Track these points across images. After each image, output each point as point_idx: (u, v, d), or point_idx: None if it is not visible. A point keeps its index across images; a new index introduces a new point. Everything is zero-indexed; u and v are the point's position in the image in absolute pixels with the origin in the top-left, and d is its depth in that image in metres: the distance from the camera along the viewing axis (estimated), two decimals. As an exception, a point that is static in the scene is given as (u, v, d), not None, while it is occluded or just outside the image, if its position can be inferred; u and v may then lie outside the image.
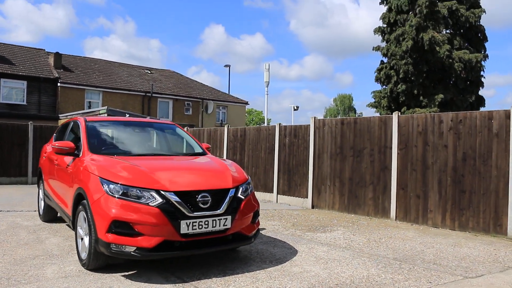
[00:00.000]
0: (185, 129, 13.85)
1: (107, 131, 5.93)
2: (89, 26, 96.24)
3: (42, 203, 7.09)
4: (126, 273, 4.40)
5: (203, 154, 5.84)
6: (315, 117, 9.49)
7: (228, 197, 4.53)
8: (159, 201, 4.17)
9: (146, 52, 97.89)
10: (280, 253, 5.35)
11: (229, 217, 4.46)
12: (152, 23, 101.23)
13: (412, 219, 7.41)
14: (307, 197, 9.53)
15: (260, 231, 6.67)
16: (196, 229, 4.25)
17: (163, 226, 4.11)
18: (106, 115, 18.79)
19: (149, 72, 31.22)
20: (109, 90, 25.98)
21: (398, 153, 7.66)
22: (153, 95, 27.47)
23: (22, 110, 23.13)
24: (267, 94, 21.25)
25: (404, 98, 22.99)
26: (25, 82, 23.55)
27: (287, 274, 4.47)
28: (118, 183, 4.26)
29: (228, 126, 12.00)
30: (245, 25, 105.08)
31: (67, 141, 5.65)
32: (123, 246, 4.09)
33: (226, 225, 4.44)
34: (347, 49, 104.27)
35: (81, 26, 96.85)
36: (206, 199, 4.37)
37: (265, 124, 20.74)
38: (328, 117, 27.53)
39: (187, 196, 4.29)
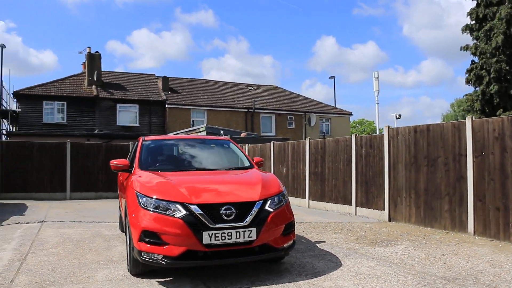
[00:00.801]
0: (273, 143, 14.20)
1: (162, 149, 6.41)
2: (205, 48, 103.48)
3: (118, 215, 7.90)
4: (162, 280, 4.74)
5: (249, 168, 5.97)
6: (389, 126, 9.03)
7: (253, 210, 4.59)
8: (183, 213, 4.43)
9: (260, 69, 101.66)
10: (322, 266, 5.23)
11: (254, 229, 4.53)
12: (264, 40, 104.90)
13: (492, 235, 6.59)
14: (383, 210, 9.06)
15: (317, 244, 6.59)
16: (219, 240, 4.40)
17: (186, 236, 4.35)
18: (205, 132, 20.07)
19: (252, 88, 32.49)
20: (213, 109, 27.64)
21: (473, 161, 6.91)
22: (256, 110, 28.50)
23: (135, 131, 25.78)
24: (378, 103, 20.75)
25: (498, 99, 20.46)
26: (137, 106, 26.29)
27: None
28: (151, 197, 4.61)
29: (309, 139, 11.97)
30: (356, 34, 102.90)
31: (123, 159, 6.25)
32: (152, 254, 4.41)
33: (251, 237, 4.52)
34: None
35: (198, 49, 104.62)
36: (229, 211, 4.50)
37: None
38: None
39: (210, 209, 4.48)
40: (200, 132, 21.24)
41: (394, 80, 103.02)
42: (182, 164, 6.04)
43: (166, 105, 26.53)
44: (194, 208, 4.46)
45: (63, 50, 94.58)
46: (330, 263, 5.42)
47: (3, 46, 28.41)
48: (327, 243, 6.70)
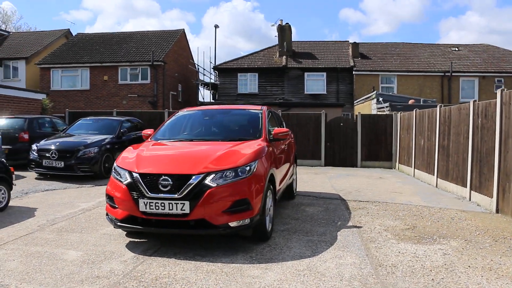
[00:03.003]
0: (415, 111, 12.77)
1: (185, 120, 6.74)
2: (443, 6, 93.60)
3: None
4: (137, 240, 5.28)
5: (253, 139, 5.74)
6: (502, 89, 6.86)
7: (189, 183, 4.58)
8: (128, 180, 4.81)
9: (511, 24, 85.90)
10: (292, 254, 4.75)
11: (187, 203, 4.54)
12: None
13: None
14: (492, 197, 7.07)
15: (345, 229, 5.87)
16: (153, 209, 4.62)
17: (128, 202, 4.74)
18: (375, 100, 19.02)
19: (455, 49, 28.29)
20: (404, 73, 25.49)
21: None
22: (454, 74, 24.90)
23: (322, 99, 26.23)
24: None
25: None
26: (324, 74, 26.55)
27: (245, 276, 4.17)
28: (116, 165, 5.15)
29: (440, 106, 10.06)
30: None
31: (153, 129, 6.88)
32: (110, 215, 5.00)
33: (184, 210, 4.55)
34: None
35: (435, 8, 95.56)
36: (166, 182, 4.63)
37: None
38: None
39: (149, 178, 4.70)
40: (371, 99, 20.17)
41: None
42: (188, 135, 6.27)
43: (354, 72, 25.90)
44: (136, 176, 4.78)
45: (300, 23, 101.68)
46: (310, 252, 4.89)
47: (216, 26, 33.08)
48: (363, 229, 5.87)
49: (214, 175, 4.66)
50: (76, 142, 10.68)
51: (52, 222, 6.25)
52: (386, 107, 16.68)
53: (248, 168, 4.84)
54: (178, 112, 7.00)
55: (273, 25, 31.56)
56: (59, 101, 25.75)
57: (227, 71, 27.56)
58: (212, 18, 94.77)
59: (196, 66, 31.71)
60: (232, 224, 4.63)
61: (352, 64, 26.19)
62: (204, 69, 33.02)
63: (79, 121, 12.71)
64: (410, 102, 17.21)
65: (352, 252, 4.80)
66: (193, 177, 4.63)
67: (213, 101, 29.19)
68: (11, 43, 30.16)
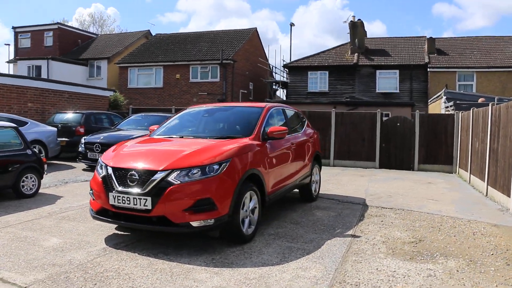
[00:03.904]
0: (472, 110, 11.66)
1: (187, 117, 6.66)
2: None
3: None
4: (120, 232, 5.40)
5: (238, 138, 5.51)
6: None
7: (153, 179, 4.53)
8: (103, 174, 4.89)
9: None
10: (263, 260, 4.50)
11: (149, 198, 4.49)
12: None
13: None
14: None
15: (338, 237, 5.46)
16: (120, 203, 4.64)
17: (101, 194, 4.83)
18: (444, 98, 17.65)
19: (553, 41, 25.02)
20: (484, 70, 23.19)
21: None
22: (548, 69, 22.04)
23: (394, 98, 24.80)
24: None
25: None
26: (397, 71, 25.05)
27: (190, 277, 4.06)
28: (100, 159, 5.25)
29: (492, 105, 8.88)
30: None
31: (157, 125, 6.90)
32: (90, 207, 5.13)
33: (147, 206, 4.51)
34: None
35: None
36: (133, 177, 4.63)
37: None
38: None
39: (120, 172, 4.73)
40: (440, 98, 18.62)
41: None
42: (181, 132, 6.15)
43: (428, 69, 24.11)
44: (109, 170, 4.85)
45: (392, 19, 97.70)
46: (279, 259, 4.60)
47: (292, 25, 32.95)
48: (359, 239, 5.38)
49: (178, 172, 4.54)
50: (120, 136, 11.20)
51: (64, 210, 6.60)
52: (450, 106, 15.24)
53: (216, 166, 4.65)
54: (185, 109, 6.99)
55: (345, 21, 30.56)
56: (135, 98, 27.45)
57: (298, 69, 27.22)
58: (302, 17, 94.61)
59: (269, 64, 31.86)
60: (194, 223, 4.48)
61: (427, 60, 24.38)
62: (275, 67, 33.11)
63: (130, 117, 13.36)
64: (480, 100, 15.51)
65: (323, 264, 4.38)
66: (157, 173, 4.56)
67: (283, 99, 29.05)
68: (97, 44, 32.81)
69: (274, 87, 31.26)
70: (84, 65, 29.51)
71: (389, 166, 14.22)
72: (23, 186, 7.57)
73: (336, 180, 10.90)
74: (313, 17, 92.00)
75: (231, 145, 5.08)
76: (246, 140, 5.38)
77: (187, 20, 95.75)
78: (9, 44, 36.04)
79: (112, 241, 5.00)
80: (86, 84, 26.74)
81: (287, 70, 28.03)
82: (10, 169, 7.37)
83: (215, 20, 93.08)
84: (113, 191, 4.69)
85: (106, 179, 4.83)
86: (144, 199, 4.52)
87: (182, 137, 5.83)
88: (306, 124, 7.98)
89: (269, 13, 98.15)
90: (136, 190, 4.58)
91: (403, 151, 14.12)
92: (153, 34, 34.04)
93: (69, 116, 13.52)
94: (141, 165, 4.72)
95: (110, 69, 29.64)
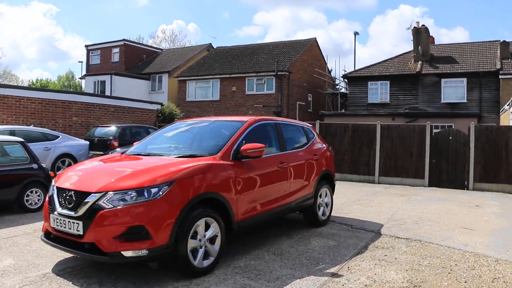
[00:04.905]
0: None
1: (166, 133, 6.17)
2: None
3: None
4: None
5: (209, 155, 4.94)
6: None
7: (86, 201, 4.12)
8: (50, 194, 4.60)
9: None
10: None
11: (80, 223, 4.09)
12: None
13: None
14: None
15: (313, 276, 4.67)
16: (59, 226, 4.30)
17: (46, 215, 4.54)
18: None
19: None
20: None
21: None
22: None
23: (461, 108, 22.65)
24: None
25: None
26: (464, 80, 22.86)
27: None
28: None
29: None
30: None
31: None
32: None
33: (79, 231, 4.11)
34: None
35: None
36: (71, 199, 4.27)
37: None
38: None
39: (61, 193, 4.40)
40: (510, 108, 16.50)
41: None
42: (150, 148, 5.65)
43: (500, 76, 21.65)
44: (53, 190, 4.55)
45: (474, 25, 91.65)
46: None
47: (356, 34, 31.83)
48: (337, 280, 4.52)
49: (112, 194, 4.07)
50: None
51: (51, 227, 6.45)
52: (516, 117, 13.33)
53: (155, 189, 4.11)
54: (172, 124, 6.57)
55: (408, 28, 28.59)
56: (192, 111, 27.89)
57: (357, 80, 25.95)
58: (379, 27, 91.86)
59: (331, 76, 30.85)
60: (126, 253, 3.96)
61: (498, 66, 21.91)
62: (335, 78, 32.02)
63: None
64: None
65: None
66: (91, 195, 4.14)
67: (341, 111, 27.82)
68: (161, 59, 34.04)
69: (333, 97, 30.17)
70: (146, 79, 30.69)
71: (439, 184, 12.71)
72: (27, 201, 7.63)
73: (368, 201, 9.83)
74: (390, 26, 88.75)
75: (184, 165, 4.52)
76: (207, 160, 4.79)
77: (263, 33, 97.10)
78: (82, 62, 38.80)
79: (61, 266, 4.66)
80: (148, 98, 27.80)
81: (347, 80, 26.82)
82: (13, 183, 7.46)
83: (292, 33, 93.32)
84: (54, 213, 4.37)
85: (50, 199, 4.53)
86: (76, 223, 4.12)
87: (149, 154, 5.38)
88: (314, 139, 7.17)
89: (346, 23, 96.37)
90: (71, 213, 4.20)
91: (456, 168, 12.54)
92: (215, 47, 34.59)
93: (107, 129, 13.81)
94: (79, 185, 4.34)
95: (170, 82, 30.49)
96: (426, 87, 23.95)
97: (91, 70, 33.62)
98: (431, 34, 26.36)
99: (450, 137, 12.66)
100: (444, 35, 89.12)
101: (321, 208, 6.99)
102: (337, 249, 5.64)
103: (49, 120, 14.00)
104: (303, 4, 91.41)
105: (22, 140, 8.07)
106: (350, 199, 10.08)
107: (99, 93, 27.55)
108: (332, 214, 7.78)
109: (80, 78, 35.54)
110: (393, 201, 9.81)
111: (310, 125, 7.54)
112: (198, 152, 5.12)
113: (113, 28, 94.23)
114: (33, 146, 10.96)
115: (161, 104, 19.46)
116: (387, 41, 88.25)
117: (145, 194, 4.08)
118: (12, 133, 10.60)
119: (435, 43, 28.33)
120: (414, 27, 25.34)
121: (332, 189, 7.42)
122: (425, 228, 6.98)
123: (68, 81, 62.36)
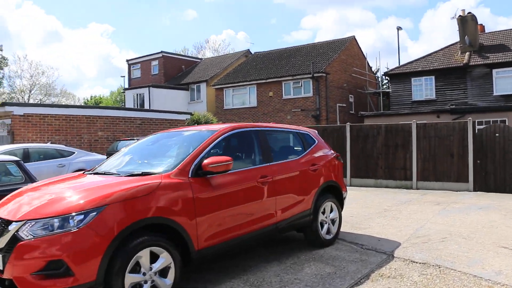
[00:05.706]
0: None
1: (140, 145, 5.56)
2: None
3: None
4: None
5: (162, 172, 4.25)
6: None
7: (7, 231, 3.58)
8: None
9: None
10: None
11: (0, 256, 3.54)
12: None
13: None
14: None
15: None
16: (-16, 258, 3.78)
17: None
18: None
19: None
20: None
21: None
22: None
23: (518, 101, 20.42)
24: None
25: None
26: (520, 69, 20.60)
27: None
28: None
29: None
30: None
31: None
32: None
33: None
34: None
35: None
36: None
37: None
38: None
39: None
40: None
41: None
42: (113, 166, 5.01)
43: None
44: (-15, 218, 4.05)
45: None
46: None
47: (399, 28, 30.24)
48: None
49: (33, 223, 3.50)
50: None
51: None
52: None
53: (80, 217, 3.48)
54: (152, 134, 5.96)
55: (453, 17, 26.45)
56: (230, 119, 27.52)
57: (399, 77, 24.34)
58: (430, 21, 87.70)
59: (369, 74, 29.35)
60: (41, 293, 3.36)
61: (562, 52, 19.54)
62: (377, 76, 30.44)
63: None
64: None
65: None
66: (12, 224, 3.59)
67: (382, 111, 26.25)
68: (199, 68, 34.08)
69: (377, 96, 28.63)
70: (185, 90, 30.76)
71: (487, 189, 11.22)
72: (21, 222, 7.35)
73: (396, 212, 8.70)
74: (442, 20, 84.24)
75: (124, 186, 3.86)
76: (156, 178, 4.10)
77: (312, 37, 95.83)
78: (124, 76, 39.83)
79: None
80: (186, 108, 27.81)
81: (388, 78, 25.25)
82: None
83: (340, 34, 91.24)
84: (-19, 243, 3.86)
85: None
86: (-2, 256, 3.58)
87: (105, 173, 4.78)
88: (314, 147, 6.25)
89: (396, 20, 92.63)
90: (-5, 243, 3.67)
91: (505, 169, 10.99)
92: (253, 53, 34.15)
93: (129, 143, 13.60)
94: (4, 213, 3.83)
95: (209, 91, 30.34)
96: (476, 79, 21.91)
97: (132, 84, 34.33)
98: (486, 23, 24.24)
99: (497, 134, 11.14)
100: (503, 24, 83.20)
101: (325, 226, 6.07)
102: (331, 279, 4.73)
103: (74, 136, 14.02)
104: (350, 4, 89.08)
105: (17, 159, 7.82)
106: (375, 210, 9.00)
107: (138, 106, 27.93)
108: (347, 230, 6.89)
109: (122, 92, 36.38)
110: (424, 212, 8.61)
111: (312, 131, 6.65)
112: (152, 169, 4.45)
113: (163, 42, 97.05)
114: (46, 163, 10.90)
115: (191, 114, 19.13)
116: (440, 35, 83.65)
117: (70, 222, 3.47)
118: (25, 151, 10.56)
119: (486, 31, 26.01)
120: (460, 15, 23.34)
121: (339, 202, 6.47)
122: (451, 248, 5.85)
123: (120, 95, 64.80)
